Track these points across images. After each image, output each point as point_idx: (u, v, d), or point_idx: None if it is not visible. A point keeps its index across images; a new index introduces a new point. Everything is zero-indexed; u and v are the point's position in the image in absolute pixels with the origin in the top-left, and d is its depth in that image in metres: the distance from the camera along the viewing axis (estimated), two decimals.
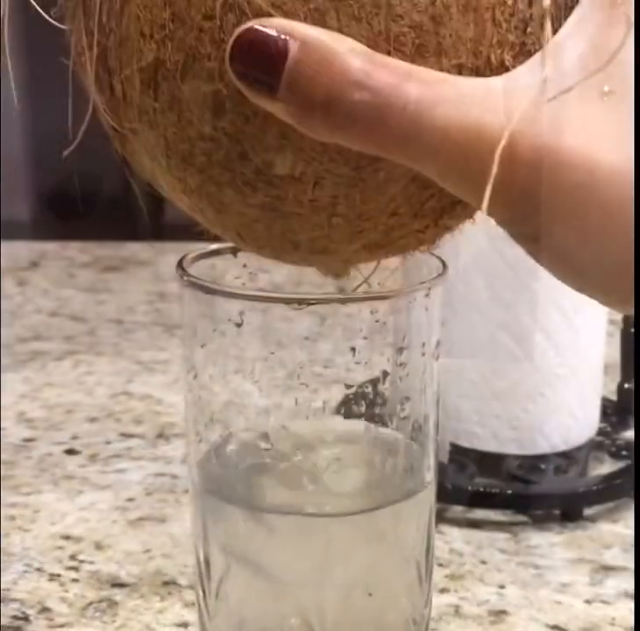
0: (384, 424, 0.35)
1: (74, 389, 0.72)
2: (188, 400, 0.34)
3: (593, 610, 0.46)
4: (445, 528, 0.53)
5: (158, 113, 0.27)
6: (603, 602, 0.47)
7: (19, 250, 1.12)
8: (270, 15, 0.25)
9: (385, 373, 0.35)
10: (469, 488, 0.54)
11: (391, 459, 0.35)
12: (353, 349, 0.34)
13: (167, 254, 1.11)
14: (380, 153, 0.25)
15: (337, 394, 0.35)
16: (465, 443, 0.57)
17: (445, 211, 0.28)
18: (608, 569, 0.49)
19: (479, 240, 0.55)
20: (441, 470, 0.55)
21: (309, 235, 0.28)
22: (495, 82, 0.24)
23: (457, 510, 0.55)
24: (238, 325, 0.31)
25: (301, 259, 0.29)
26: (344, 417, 0.35)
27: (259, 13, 0.25)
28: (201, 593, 0.35)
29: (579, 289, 0.26)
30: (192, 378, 0.33)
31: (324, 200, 0.27)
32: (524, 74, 0.24)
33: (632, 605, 0.46)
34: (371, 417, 0.35)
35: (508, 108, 0.23)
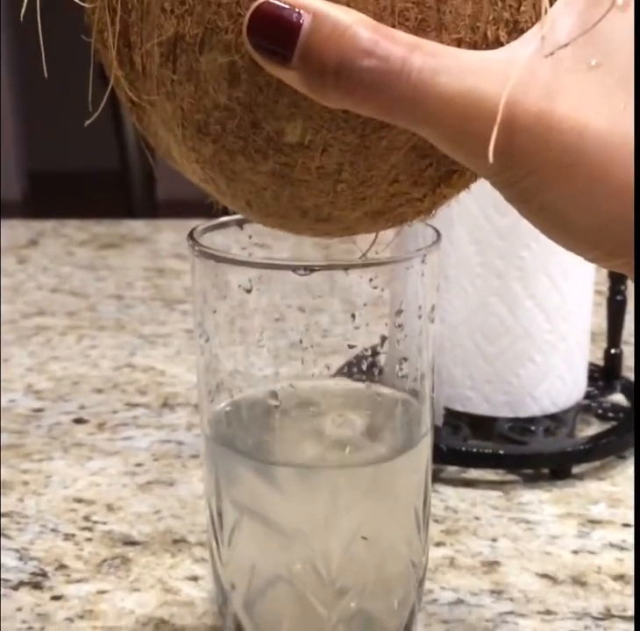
0: (383, 384, 0.37)
1: (80, 362, 0.74)
2: (201, 363, 0.36)
3: (580, 559, 0.49)
4: (441, 488, 0.56)
5: (176, 84, 0.29)
6: (589, 552, 0.49)
7: (17, 228, 1.14)
8: None
9: (383, 338, 0.37)
10: (463, 449, 0.56)
11: (390, 415, 0.37)
12: (353, 315, 0.36)
13: (164, 231, 1.13)
14: (386, 118, 0.26)
15: (340, 358, 0.38)
16: (458, 407, 0.60)
17: (442, 180, 0.30)
18: (594, 522, 0.52)
19: (471, 211, 0.57)
20: (436, 432, 0.57)
21: (315, 201, 0.30)
22: (493, 55, 0.26)
23: (452, 470, 0.57)
24: (248, 291, 0.33)
25: (306, 228, 0.31)
26: (347, 377, 0.37)
27: None
28: (214, 543, 0.37)
29: (568, 246, 0.28)
30: (204, 341, 0.36)
31: (331, 167, 0.29)
32: (519, 48, 0.26)
33: (617, 554, 0.49)
34: (371, 377, 0.37)
35: (505, 77, 0.26)
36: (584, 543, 0.50)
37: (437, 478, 0.57)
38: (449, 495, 0.55)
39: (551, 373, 0.59)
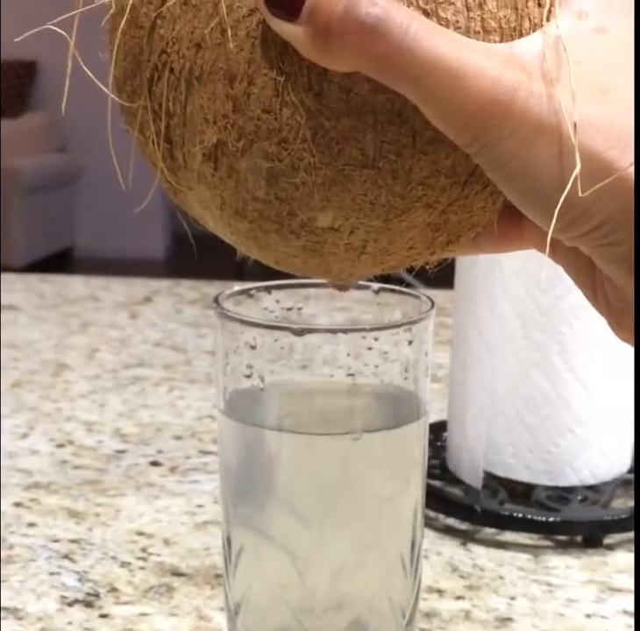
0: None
1: (166, 411, 0.81)
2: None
3: (591, 623, 0.51)
4: (473, 547, 0.59)
5: (216, 178, 0.31)
6: (602, 617, 0.52)
7: (136, 286, 1.23)
8: None
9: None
10: (498, 512, 0.60)
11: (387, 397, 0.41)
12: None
13: (272, 292, 1.19)
14: (381, 74, 0.28)
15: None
16: (499, 473, 0.63)
17: (451, 242, 0.34)
18: (614, 590, 0.54)
19: (515, 287, 0.61)
20: (473, 495, 0.61)
21: (340, 267, 0.34)
22: (494, 44, 0.28)
23: (488, 532, 0.60)
24: (253, 347, 0.39)
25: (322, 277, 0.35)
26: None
27: None
28: (224, 563, 0.42)
29: (536, 214, 0.29)
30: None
31: (357, 243, 0.32)
32: (521, 41, 0.29)
33: (628, 621, 0.51)
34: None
35: (503, 56, 0.28)
36: (599, 608, 0.52)
37: (471, 538, 0.60)
38: (479, 554, 0.58)
39: (590, 446, 0.62)
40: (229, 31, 0.29)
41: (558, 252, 0.33)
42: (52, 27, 0.31)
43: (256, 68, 0.29)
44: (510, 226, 0.34)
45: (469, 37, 0.29)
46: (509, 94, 0.27)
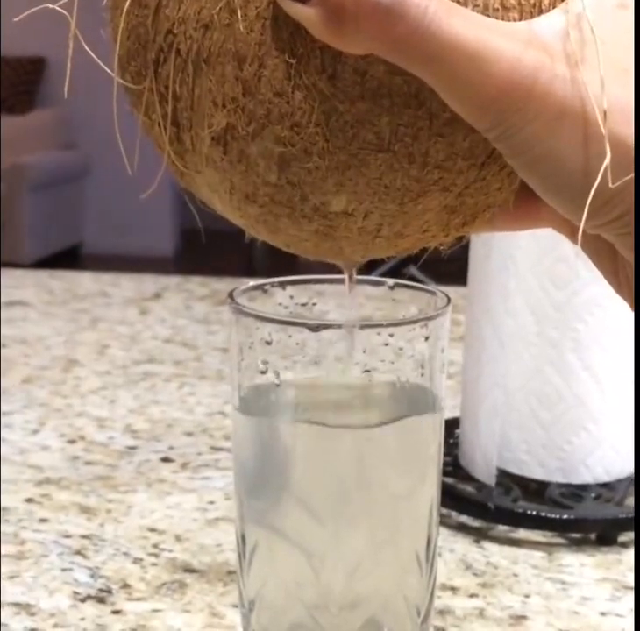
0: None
1: (177, 407, 0.81)
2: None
3: (606, 620, 0.51)
4: (487, 544, 0.58)
5: (225, 162, 0.30)
6: (617, 615, 0.51)
7: (146, 282, 1.23)
8: None
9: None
10: (511, 509, 0.59)
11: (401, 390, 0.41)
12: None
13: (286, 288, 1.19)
14: (397, 57, 0.27)
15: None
16: (513, 470, 0.63)
17: (466, 224, 0.33)
18: (628, 588, 0.54)
19: (529, 283, 0.61)
20: (487, 492, 0.60)
21: (353, 249, 0.33)
22: (514, 22, 0.27)
23: (502, 529, 0.60)
24: (268, 343, 0.38)
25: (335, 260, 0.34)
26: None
27: None
28: (238, 560, 0.42)
29: (557, 201, 0.28)
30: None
31: (371, 227, 0.31)
32: (541, 19, 0.27)
33: None
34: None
35: (524, 38, 0.27)
36: (613, 607, 0.52)
37: (485, 535, 0.60)
38: (493, 552, 0.58)
39: (604, 443, 0.61)
40: (238, 11, 0.28)
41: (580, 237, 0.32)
42: (53, 6, 0.30)
43: (267, 50, 0.28)
44: (526, 205, 0.33)
45: (488, 15, 0.27)
46: (532, 76, 0.26)
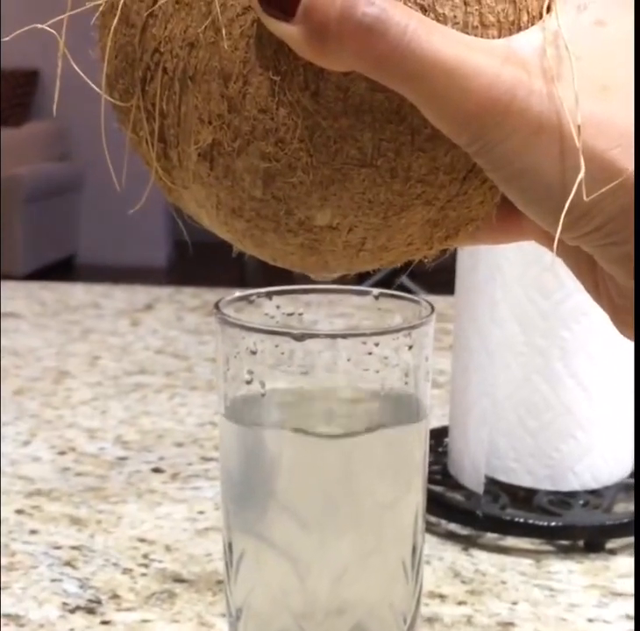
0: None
1: (167, 418, 0.81)
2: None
3: (593, 627, 0.51)
4: (475, 552, 0.59)
5: (212, 178, 0.30)
6: (605, 622, 0.52)
7: (138, 294, 1.24)
8: None
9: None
10: (499, 517, 0.59)
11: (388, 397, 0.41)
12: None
13: (273, 299, 1.20)
14: (378, 74, 0.27)
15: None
16: (501, 477, 0.63)
17: (449, 237, 0.33)
18: (616, 594, 0.54)
19: (515, 292, 0.61)
20: (475, 500, 0.61)
21: (337, 263, 0.33)
22: (492, 40, 0.28)
23: (490, 537, 0.60)
24: (254, 353, 0.39)
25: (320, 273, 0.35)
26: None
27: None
28: (225, 569, 0.42)
29: (538, 214, 0.29)
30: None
31: (355, 241, 0.32)
32: (519, 37, 0.28)
33: (630, 626, 0.51)
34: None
35: (502, 55, 0.27)
36: (601, 613, 0.52)
37: (473, 543, 0.60)
38: (481, 559, 0.58)
39: (592, 450, 0.62)
40: (223, 30, 0.29)
41: (560, 248, 0.33)
42: (42, 27, 0.30)
43: (251, 68, 0.29)
44: (508, 219, 0.33)
45: (467, 32, 0.28)
46: (510, 92, 0.27)
